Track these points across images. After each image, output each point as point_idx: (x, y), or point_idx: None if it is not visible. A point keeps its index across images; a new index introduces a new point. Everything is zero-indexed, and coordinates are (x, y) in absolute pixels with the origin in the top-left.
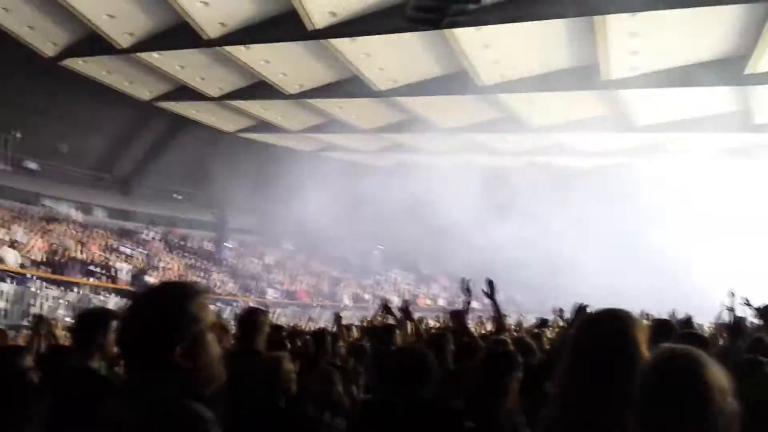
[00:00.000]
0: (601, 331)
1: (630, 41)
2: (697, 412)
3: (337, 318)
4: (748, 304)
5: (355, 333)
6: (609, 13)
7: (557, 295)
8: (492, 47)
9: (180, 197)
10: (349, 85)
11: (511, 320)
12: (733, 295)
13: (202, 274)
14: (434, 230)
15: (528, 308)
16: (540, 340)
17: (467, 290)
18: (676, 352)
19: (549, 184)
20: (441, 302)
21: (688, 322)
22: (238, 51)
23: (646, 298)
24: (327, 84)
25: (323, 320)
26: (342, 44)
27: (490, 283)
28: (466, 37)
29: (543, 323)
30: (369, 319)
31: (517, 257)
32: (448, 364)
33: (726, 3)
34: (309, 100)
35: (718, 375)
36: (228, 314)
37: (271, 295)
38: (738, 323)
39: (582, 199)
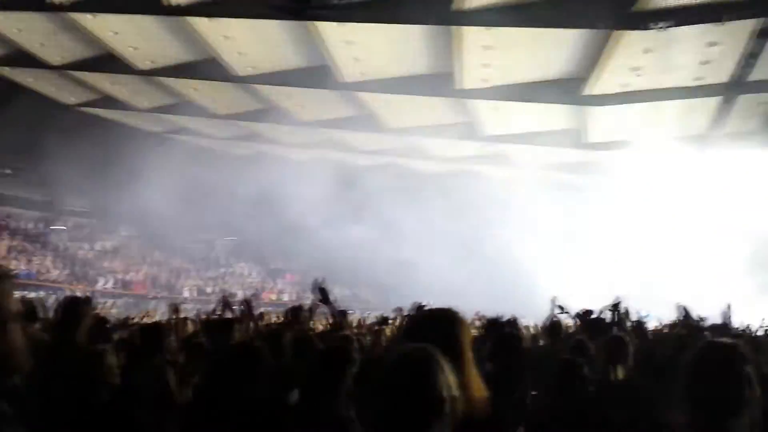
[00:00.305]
0: (428, 327)
1: (483, 54)
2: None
3: (173, 310)
4: (562, 310)
5: (190, 327)
6: (466, 25)
7: (402, 293)
8: (354, 45)
9: (8, 171)
10: (205, 67)
11: (354, 318)
12: (555, 301)
13: (26, 257)
14: (285, 225)
15: (374, 306)
16: (380, 337)
17: (319, 290)
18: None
19: (400, 185)
20: (287, 298)
21: (512, 322)
22: (85, 19)
23: (485, 299)
24: (182, 63)
25: (160, 313)
26: (200, 24)
27: (321, 290)
28: (330, 31)
29: (384, 321)
30: (207, 313)
31: (366, 255)
32: (284, 359)
33: (569, 27)
34: (161, 78)
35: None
36: (51, 303)
37: (103, 284)
38: (553, 325)
39: (430, 202)
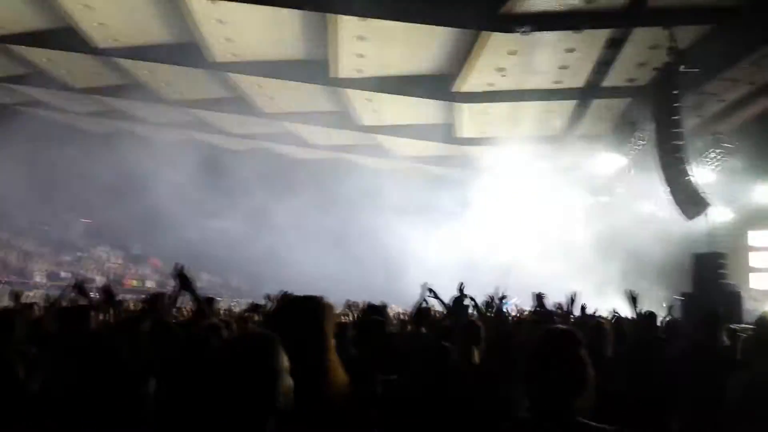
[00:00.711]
0: (293, 315)
1: (358, 44)
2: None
3: (14, 297)
4: (435, 295)
5: (37, 314)
6: (340, 13)
7: (274, 281)
8: (227, 24)
9: None
10: (61, 36)
11: (223, 305)
12: (425, 288)
13: None
14: (149, 208)
15: (245, 294)
16: (247, 324)
17: (179, 276)
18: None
19: (272, 170)
20: (150, 284)
21: (379, 309)
22: None
23: (357, 287)
24: (35, 30)
25: (5, 300)
26: None
27: (182, 276)
28: (200, 7)
29: (254, 308)
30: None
31: (237, 242)
32: (142, 349)
33: (441, 24)
34: (11, 46)
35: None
36: None
37: None
38: (420, 312)
39: (303, 189)
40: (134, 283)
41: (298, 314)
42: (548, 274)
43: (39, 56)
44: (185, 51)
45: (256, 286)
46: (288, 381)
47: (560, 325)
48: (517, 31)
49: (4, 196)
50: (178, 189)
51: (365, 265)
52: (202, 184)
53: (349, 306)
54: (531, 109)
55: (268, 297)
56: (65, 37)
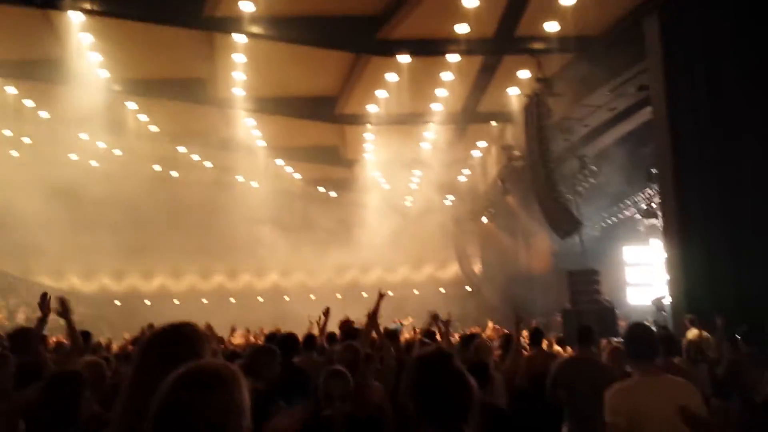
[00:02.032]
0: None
1: (236, 64)
2: None
3: None
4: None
5: None
6: (217, 31)
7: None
8: (98, 39)
9: None
10: None
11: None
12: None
13: None
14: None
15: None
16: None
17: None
18: None
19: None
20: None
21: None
22: None
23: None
24: None
25: None
26: None
27: (62, 302)
28: (65, 21)
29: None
30: None
31: None
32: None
33: (321, 46)
34: None
35: None
36: None
37: None
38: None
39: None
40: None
41: (175, 342)
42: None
43: None
44: (56, 68)
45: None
46: None
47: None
48: (395, 55)
49: None
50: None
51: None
52: (79, 208)
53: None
54: (411, 132)
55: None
56: None
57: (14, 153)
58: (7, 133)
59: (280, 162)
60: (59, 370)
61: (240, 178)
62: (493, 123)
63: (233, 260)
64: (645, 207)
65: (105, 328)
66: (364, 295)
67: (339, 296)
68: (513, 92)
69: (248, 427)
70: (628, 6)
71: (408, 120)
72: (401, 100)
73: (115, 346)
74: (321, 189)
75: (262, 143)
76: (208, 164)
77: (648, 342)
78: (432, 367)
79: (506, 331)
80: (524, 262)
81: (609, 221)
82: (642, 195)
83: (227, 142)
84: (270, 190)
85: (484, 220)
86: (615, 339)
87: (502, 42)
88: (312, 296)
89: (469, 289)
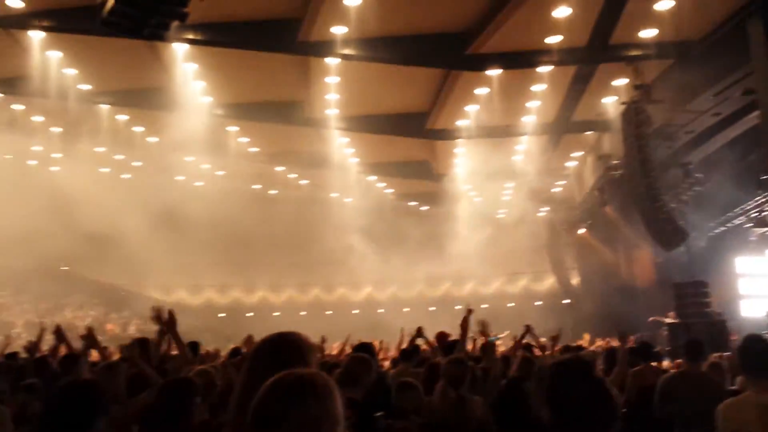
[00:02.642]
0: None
1: (330, 85)
2: None
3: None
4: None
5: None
6: (312, 55)
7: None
8: (201, 68)
9: None
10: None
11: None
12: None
13: None
14: (135, 252)
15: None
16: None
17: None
18: None
19: (260, 211)
20: (132, 330)
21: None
22: None
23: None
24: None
25: None
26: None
27: (170, 315)
28: (171, 52)
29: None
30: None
31: None
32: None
33: (411, 64)
34: None
35: None
36: None
37: None
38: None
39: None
40: (116, 330)
41: (281, 351)
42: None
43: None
44: (163, 96)
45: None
46: None
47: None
48: (486, 70)
49: None
50: (160, 232)
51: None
52: (183, 226)
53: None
54: (503, 145)
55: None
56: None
57: (126, 176)
58: (120, 157)
59: (372, 178)
60: (172, 377)
61: (334, 195)
62: (589, 132)
63: (329, 274)
64: (756, 215)
65: (210, 339)
66: (458, 307)
67: (432, 309)
68: (609, 100)
69: None
70: (730, 8)
71: (499, 132)
72: (492, 112)
73: (223, 355)
74: (413, 203)
75: (355, 160)
76: (303, 182)
77: (765, 356)
78: (572, 375)
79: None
80: (625, 273)
81: (717, 231)
82: (752, 203)
83: (321, 160)
84: (363, 205)
85: (581, 231)
86: (726, 354)
87: (597, 51)
88: (405, 309)
89: (566, 301)
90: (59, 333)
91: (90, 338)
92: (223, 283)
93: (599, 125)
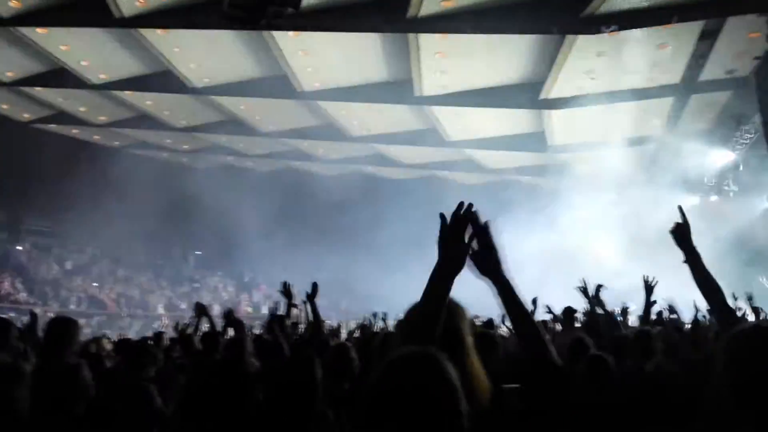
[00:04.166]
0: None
1: (440, 60)
2: None
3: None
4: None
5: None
6: (420, 32)
7: (380, 302)
8: (311, 54)
9: None
10: (160, 80)
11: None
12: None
13: None
14: (253, 236)
15: (353, 315)
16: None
17: (287, 293)
18: None
19: (366, 192)
20: (264, 310)
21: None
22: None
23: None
24: (136, 76)
25: (134, 331)
26: (152, 36)
27: (314, 286)
28: (285, 42)
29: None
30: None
31: (341, 265)
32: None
33: (522, 32)
34: (114, 92)
35: None
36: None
37: (76, 304)
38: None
39: (397, 207)
40: (249, 310)
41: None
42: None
43: (140, 100)
44: (275, 84)
45: (363, 308)
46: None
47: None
48: (604, 32)
49: (123, 234)
50: (278, 216)
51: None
52: (300, 209)
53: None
54: (625, 110)
55: (374, 315)
56: (163, 80)
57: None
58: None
59: (483, 153)
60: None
61: (443, 172)
62: (719, 92)
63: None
64: None
65: None
66: (577, 283)
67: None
68: (741, 56)
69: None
70: None
71: (620, 97)
72: (612, 76)
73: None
74: (526, 177)
75: (464, 136)
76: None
77: None
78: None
79: None
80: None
81: None
82: None
83: (429, 138)
84: (473, 181)
85: (713, 197)
86: None
87: (725, 3)
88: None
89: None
90: (202, 312)
91: (230, 318)
92: None
93: (729, 84)
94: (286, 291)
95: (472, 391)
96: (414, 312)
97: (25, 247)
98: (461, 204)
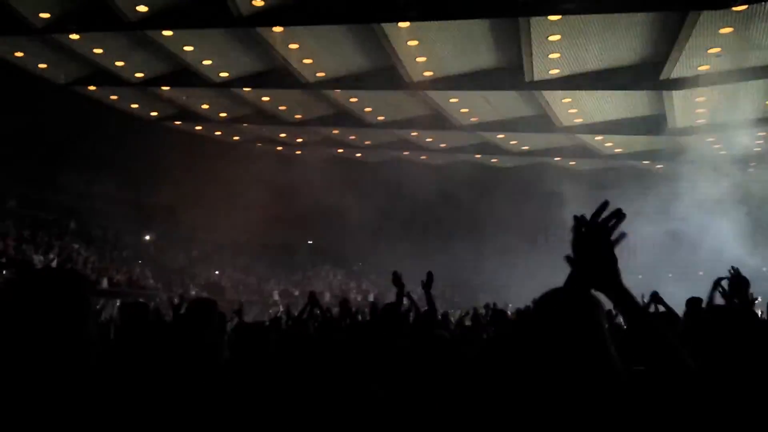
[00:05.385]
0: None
1: (552, 44)
2: None
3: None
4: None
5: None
6: (530, 15)
7: (487, 292)
8: (419, 44)
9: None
10: (276, 76)
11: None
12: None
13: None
14: (361, 226)
15: (456, 304)
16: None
17: (397, 282)
18: None
19: (478, 180)
20: (371, 298)
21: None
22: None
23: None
24: (253, 73)
25: (252, 316)
26: (267, 33)
27: (429, 275)
28: (393, 32)
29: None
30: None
31: (452, 257)
32: None
33: (639, 10)
34: (233, 89)
35: None
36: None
37: (197, 291)
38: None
39: (510, 194)
40: (359, 297)
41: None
42: None
43: (258, 96)
44: (385, 76)
45: (471, 297)
46: None
47: None
48: (731, 6)
49: (240, 224)
50: (386, 206)
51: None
52: (408, 200)
53: None
54: (754, 89)
55: (486, 307)
56: (280, 76)
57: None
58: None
59: (599, 138)
60: None
61: (557, 159)
62: None
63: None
64: None
65: None
66: (700, 273)
67: (670, 275)
68: None
69: None
70: None
71: (747, 75)
72: (738, 54)
73: None
74: (645, 162)
75: (579, 120)
76: (524, 148)
77: None
78: None
79: None
80: None
81: None
82: None
83: (543, 125)
84: (589, 168)
85: None
86: None
87: None
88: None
89: None
90: (314, 300)
91: (344, 307)
92: None
93: None
94: (396, 280)
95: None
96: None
97: (152, 237)
98: (605, 204)
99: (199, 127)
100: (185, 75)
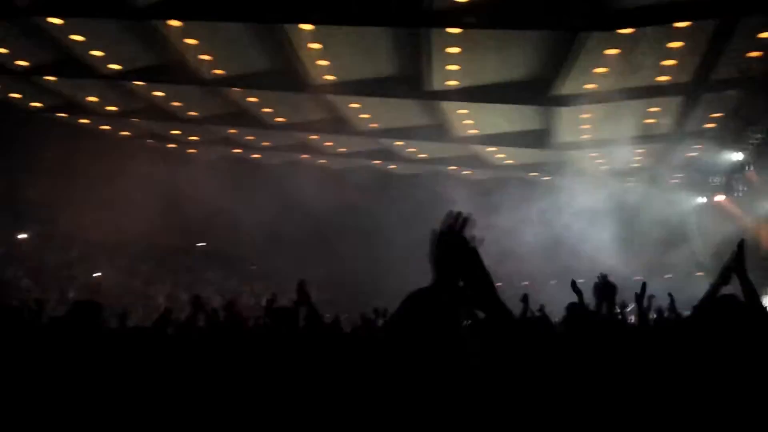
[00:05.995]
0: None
1: (451, 56)
2: None
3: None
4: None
5: None
6: (430, 26)
7: (375, 296)
8: (321, 48)
9: None
10: (172, 70)
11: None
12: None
13: None
14: (263, 229)
15: (351, 309)
16: None
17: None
18: None
19: (373, 186)
20: (264, 303)
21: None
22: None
23: None
24: (148, 67)
25: (136, 320)
26: (164, 27)
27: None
28: (296, 33)
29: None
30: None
31: (341, 259)
32: None
33: (533, 28)
34: (127, 82)
35: None
36: None
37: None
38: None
39: (402, 201)
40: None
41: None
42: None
43: (151, 91)
44: (286, 77)
45: (363, 302)
46: None
47: None
48: (615, 29)
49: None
50: (285, 214)
51: None
52: (309, 203)
53: None
54: (635, 108)
55: (375, 311)
56: (175, 70)
57: None
58: None
59: (491, 149)
60: None
61: (452, 168)
62: (731, 92)
63: None
64: None
65: None
66: (580, 281)
67: (553, 282)
68: (754, 56)
69: None
70: None
71: (630, 95)
72: (623, 74)
73: None
74: (533, 174)
75: (474, 131)
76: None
77: None
78: None
79: None
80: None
81: None
82: None
83: (440, 134)
84: (482, 178)
85: (720, 197)
86: None
87: (740, 2)
88: (524, 282)
89: (699, 274)
90: (197, 303)
91: (231, 310)
92: None
93: (742, 83)
94: (300, 289)
95: None
96: None
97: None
98: (451, 213)
99: (85, 121)
100: (72, 65)
